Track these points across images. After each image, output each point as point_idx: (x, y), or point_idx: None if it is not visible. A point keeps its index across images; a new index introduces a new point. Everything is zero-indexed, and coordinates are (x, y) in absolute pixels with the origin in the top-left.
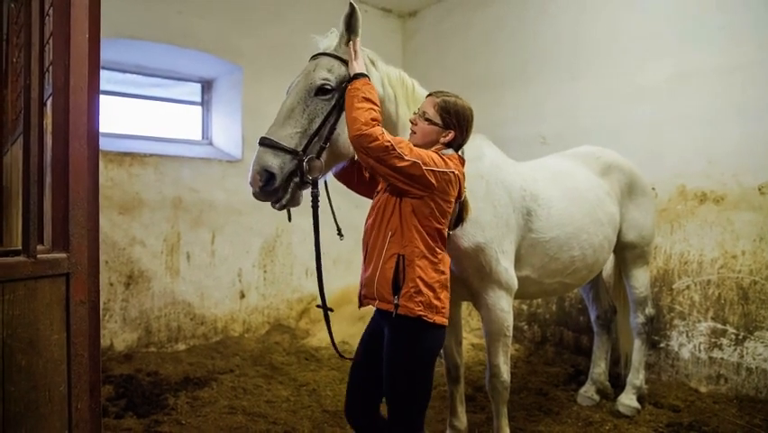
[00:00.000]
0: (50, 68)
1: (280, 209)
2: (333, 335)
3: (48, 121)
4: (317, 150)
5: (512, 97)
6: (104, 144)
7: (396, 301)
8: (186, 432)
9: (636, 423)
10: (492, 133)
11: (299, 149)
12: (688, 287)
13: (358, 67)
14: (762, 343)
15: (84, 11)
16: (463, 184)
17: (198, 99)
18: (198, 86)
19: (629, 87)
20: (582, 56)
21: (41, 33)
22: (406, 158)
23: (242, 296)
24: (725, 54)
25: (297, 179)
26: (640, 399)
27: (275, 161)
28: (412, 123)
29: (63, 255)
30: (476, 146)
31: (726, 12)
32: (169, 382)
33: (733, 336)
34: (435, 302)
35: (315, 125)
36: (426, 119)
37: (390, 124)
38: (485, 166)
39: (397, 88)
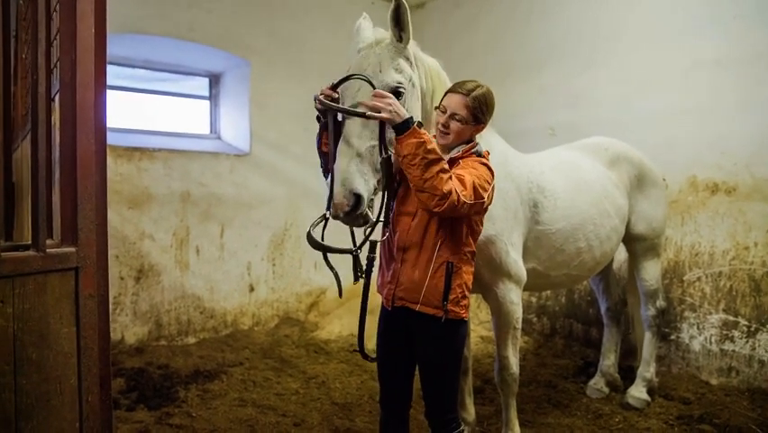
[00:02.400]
0: (58, 63)
1: (357, 225)
2: (344, 328)
3: (55, 116)
4: (386, 157)
5: (521, 89)
6: (112, 139)
7: (446, 307)
8: (196, 424)
9: (646, 416)
10: (501, 125)
11: (377, 165)
12: (699, 279)
13: (401, 110)
14: None
15: (90, 6)
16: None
17: (206, 93)
18: (206, 80)
19: (640, 77)
20: (592, 47)
21: (47, 29)
22: (477, 202)
23: (252, 289)
24: (738, 44)
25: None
26: (650, 391)
27: (362, 184)
28: (443, 125)
29: (72, 249)
30: (484, 139)
31: (740, 1)
32: (179, 375)
33: (745, 329)
34: (467, 302)
35: (391, 134)
36: (458, 120)
37: (426, 118)
38: (493, 158)
39: (435, 81)
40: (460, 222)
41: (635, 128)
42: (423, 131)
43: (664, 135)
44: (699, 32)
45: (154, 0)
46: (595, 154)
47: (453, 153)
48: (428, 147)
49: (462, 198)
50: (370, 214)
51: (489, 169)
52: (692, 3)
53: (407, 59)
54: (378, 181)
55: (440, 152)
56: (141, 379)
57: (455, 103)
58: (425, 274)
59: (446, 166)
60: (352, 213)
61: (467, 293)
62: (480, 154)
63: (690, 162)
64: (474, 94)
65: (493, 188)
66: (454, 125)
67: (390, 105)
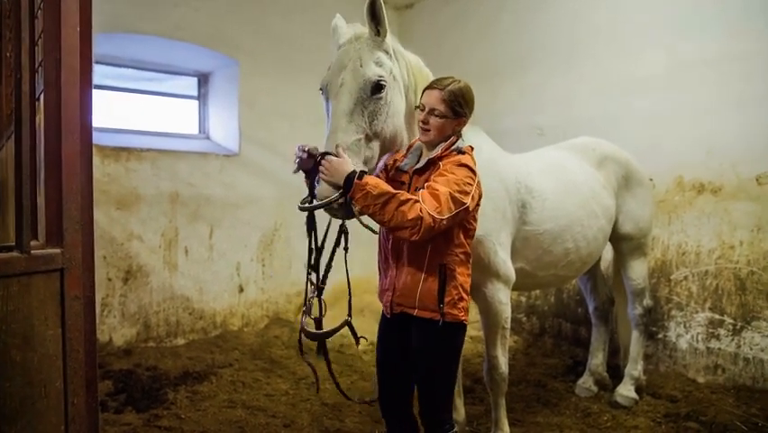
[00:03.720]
0: (42, 62)
1: (344, 218)
2: (332, 328)
3: (40, 116)
4: (376, 148)
5: (508, 89)
6: (100, 139)
7: (442, 310)
8: (185, 426)
9: (634, 414)
10: (489, 125)
11: (362, 155)
12: (685, 278)
13: (345, 165)
14: (759, 333)
15: (75, 4)
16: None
17: (195, 93)
18: (195, 79)
19: (627, 77)
20: (580, 47)
21: (31, 27)
22: (458, 211)
23: (241, 290)
24: (723, 44)
25: None
26: (638, 389)
27: (357, 166)
28: (423, 122)
29: (57, 251)
30: (472, 138)
31: (725, 2)
32: (168, 377)
33: (730, 327)
34: (464, 304)
35: (376, 127)
36: (437, 115)
37: (410, 113)
38: (481, 158)
39: (417, 76)
40: (454, 226)
41: (623, 128)
42: (364, 179)
43: (651, 136)
44: (685, 32)
45: None
46: (582, 155)
47: (433, 153)
48: (374, 193)
49: (437, 216)
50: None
51: (469, 167)
52: (678, 4)
53: (387, 52)
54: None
55: (387, 188)
56: (130, 381)
57: (433, 99)
58: (419, 278)
59: (403, 197)
60: (339, 199)
61: (464, 295)
62: (460, 151)
63: (676, 163)
64: (450, 88)
65: (478, 183)
66: (434, 121)
67: (327, 170)
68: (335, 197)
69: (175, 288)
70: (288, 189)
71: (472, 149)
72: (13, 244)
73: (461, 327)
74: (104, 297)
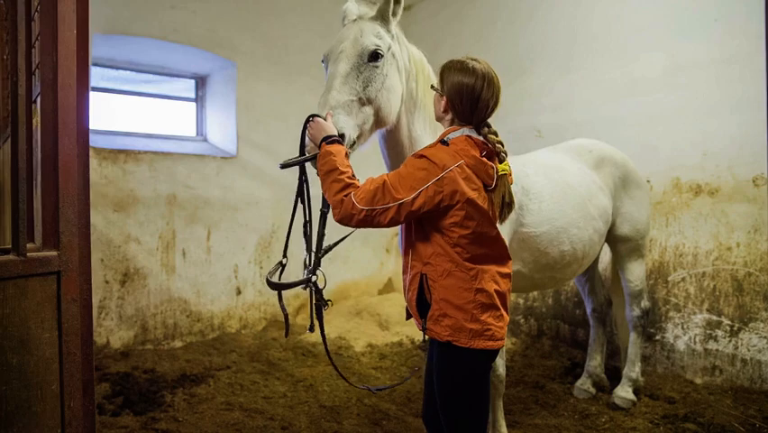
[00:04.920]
0: (39, 65)
1: None
2: (331, 330)
3: (37, 119)
4: (369, 116)
5: (506, 90)
6: (97, 141)
7: (423, 325)
8: (183, 429)
9: (632, 415)
10: None
11: (355, 117)
12: (683, 279)
13: (326, 127)
14: (756, 334)
15: (71, 6)
16: (485, 169)
17: (192, 95)
18: (192, 82)
19: (624, 79)
20: (577, 49)
21: (27, 29)
22: (390, 205)
23: (239, 292)
24: (720, 46)
25: (350, 147)
26: (636, 391)
27: (347, 123)
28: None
29: (54, 253)
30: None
31: (721, 4)
32: (165, 380)
33: (728, 328)
34: (470, 325)
35: (369, 93)
36: (432, 86)
37: (411, 101)
38: None
39: (417, 65)
40: (425, 226)
41: (620, 130)
42: (331, 146)
43: (648, 137)
44: (681, 34)
45: (138, 1)
46: (579, 156)
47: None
48: (326, 159)
49: (357, 204)
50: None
51: (428, 159)
52: (675, 6)
53: (389, 31)
54: (359, 136)
55: (340, 162)
56: (127, 384)
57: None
58: (406, 285)
59: (343, 176)
60: (311, 159)
61: (452, 313)
62: (446, 143)
63: (673, 164)
64: (449, 61)
65: (448, 180)
66: (435, 95)
67: (312, 129)
68: (309, 156)
69: (172, 290)
70: (286, 191)
71: (471, 140)
72: (10, 246)
73: (456, 350)
74: (101, 299)
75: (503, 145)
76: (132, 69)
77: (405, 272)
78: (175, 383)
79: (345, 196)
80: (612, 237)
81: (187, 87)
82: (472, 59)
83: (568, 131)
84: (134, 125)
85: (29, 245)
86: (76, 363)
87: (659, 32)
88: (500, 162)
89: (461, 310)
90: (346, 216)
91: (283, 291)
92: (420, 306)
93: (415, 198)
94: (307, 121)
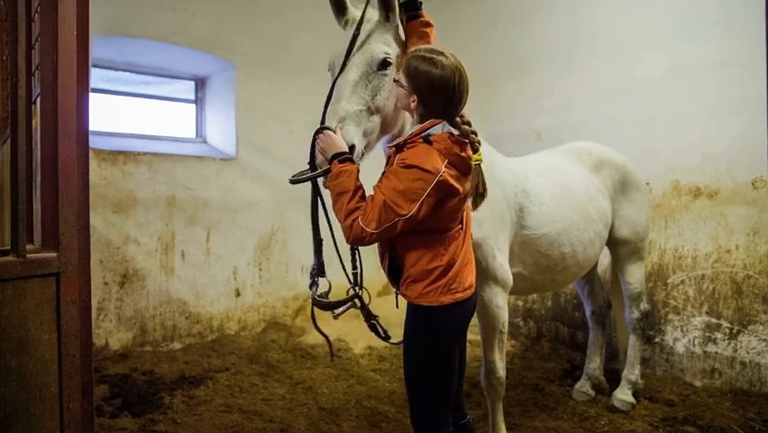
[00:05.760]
0: (39, 66)
1: None
2: (331, 332)
3: (36, 120)
4: (376, 125)
5: (506, 93)
6: (97, 143)
7: (396, 289)
8: (182, 431)
9: (632, 418)
10: (486, 129)
11: (363, 127)
12: (682, 282)
13: (337, 143)
14: (755, 337)
15: (72, 7)
16: (466, 162)
17: (192, 97)
18: (192, 83)
19: (624, 82)
20: (577, 51)
21: (28, 30)
22: (396, 220)
23: (238, 294)
24: (719, 49)
25: (360, 157)
26: (635, 393)
27: (356, 135)
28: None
29: (53, 255)
30: None
31: (721, 6)
32: (164, 381)
33: (727, 331)
34: (437, 284)
35: (378, 102)
36: (396, 80)
37: None
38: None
39: None
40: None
41: (619, 132)
42: (343, 165)
43: (647, 140)
44: (680, 36)
45: (137, 2)
46: (579, 159)
47: (402, 137)
48: (337, 181)
49: (366, 228)
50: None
51: (420, 168)
52: (674, 9)
53: (395, 38)
54: (367, 145)
55: (353, 184)
56: (126, 385)
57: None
58: (382, 255)
59: (352, 200)
60: (322, 176)
61: (419, 276)
62: (427, 140)
63: (672, 167)
64: (412, 52)
65: (437, 184)
66: (396, 89)
67: (321, 143)
68: (319, 172)
69: (171, 292)
70: (285, 193)
71: (453, 138)
72: (9, 248)
73: (430, 309)
74: (100, 301)
75: (476, 135)
76: (131, 71)
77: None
78: (174, 385)
79: (354, 221)
80: (612, 240)
81: (186, 88)
82: (439, 52)
83: (567, 133)
84: (134, 127)
85: (28, 247)
86: (75, 365)
87: (659, 35)
88: (474, 152)
89: (429, 274)
90: (357, 239)
91: (280, 295)
92: (392, 272)
93: (419, 209)
94: (317, 133)
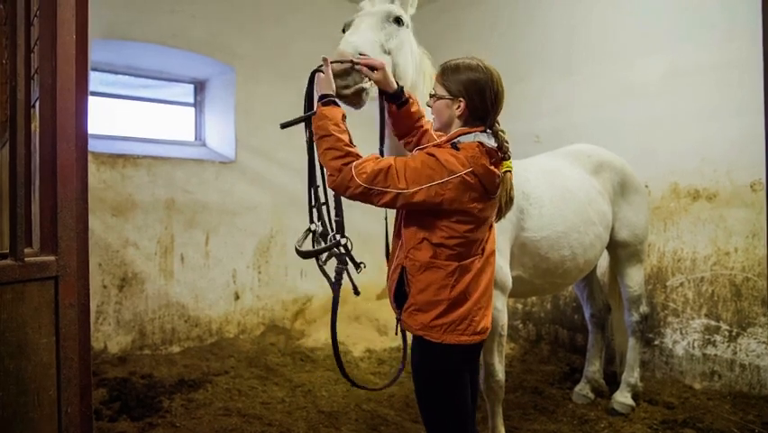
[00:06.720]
0: (38, 70)
1: (352, 95)
2: (330, 335)
3: (35, 123)
4: (388, 63)
5: (505, 95)
6: (96, 146)
7: (398, 315)
8: None
9: (631, 421)
10: None
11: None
12: (681, 284)
13: (324, 84)
14: (755, 339)
15: (71, 11)
16: (492, 179)
17: (191, 100)
18: (191, 86)
19: (623, 84)
20: (576, 54)
21: (27, 34)
22: (388, 190)
23: (237, 297)
24: (718, 51)
25: (370, 84)
26: (635, 396)
27: (367, 45)
28: (429, 106)
29: (52, 258)
30: None
31: (720, 9)
32: (163, 385)
33: (726, 333)
34: (442, 320)
35: (391, 45)
36: (432, 95)
37: (412, 86)
38: None
39: (421, 60)
40: (416, 218)
41: (618, 135)
42: (327, 108)
43: (646, 142)
44: (679, 39)
45: (136, 6)
46: (578, 161)
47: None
48: (320, 122)
49: (356, 177)
50: (366, 89)
51: (437, 158)
52: (674, 11)
53: (405, 18)
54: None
55: (337, 127)
56: (125, 389)
57: (435, 81)
58: (389, 275)
59: (340, 143)
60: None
61: (427, 308)
62: (455, 146)
63: (671, 169)
64: (445, 64)
65: (453, 184)
66: (434, 105)
67: (318, 79)
68: (307, 115)
69: (170, 295)
70: (285, 197)
71: (483, 148)
72: (8, 251)
73: (427, 344)
74: (99, 304)
75: (509, 144)
76: (130, 74)
77: (390, 261)
78: (173, 389)
79: (345, 165)
80: (611, 242)
81: (185, 91)
82: (472, 58)
83: (566, 135)
84: (133, 130)
85: (27, 250)
86: (73, 369)
87: (658, 37)
88: (506, 160)
89: (435, 306)
90: (342, 185)
91: (279, 298)
92: (398, 297)
93: (414, 193)
94: (313, 74)
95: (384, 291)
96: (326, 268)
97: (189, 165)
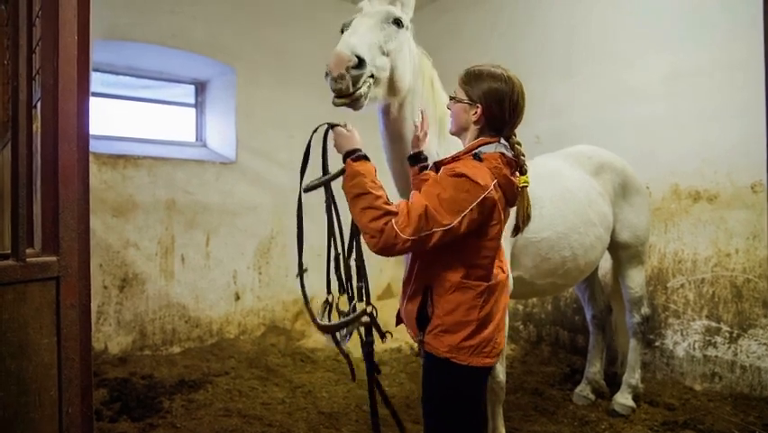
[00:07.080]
0: (40, 70)
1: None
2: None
3: (37, 124)
4: (386, 65)
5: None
6: (97, 147)
7: (420, 337)
8: None
9: (632, 422)
10: None
11: (375, 62)
12: (682, 285)
13: (349, 140)
14: (755, 341)
15: (73, 12)
16: (513, 189)
17: (192, 101)
18: (192, 87)
19: (623, 85)
20: (576, 54)
21: (29, 35)
22: (435, 231)
23: (237, 298)
24: (719, 53)
25: (368, 87)
26: (635, 398)
27: (366, 51)
28: (449, 108)
29: (53, 259)
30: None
31: (721, 9)
32: (163, 385)
33: (727, 334)
34: (470, 342)
35: (389, 46)
36: (452, 98)
37: (412, 95)
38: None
39: (422, 62)
40: (444, 248)
41: (619, 136)
42: (358, 163)
43: (647, 143)
44: (681, 41)
45: (137, 6)
46: (579, 163)
47: (450, 154)
48: (354, 180)
49: (400, 233)
50: (362, 90)
51: (469, 178)
52: (674, 12)
53: (405, 20)
54: (376, 82)
55: (371, 182)
56: (125, 389)
57: (458, 83)
58: (406, 296)
59: (378, 201)
60: (354, 70)
61: (454, 329)
62: (477, 157)
63: (672, 170)
64: (469, 69)
65: (483, 200)
66: (452, 107)
67: (336, 141)
68: (333, 175)
69: (171, 296)
70: (285, 197)
71: (505, 159)
72: (9, 252)
73: (451, 366)
74: (99, 305)
75: (525, 157)
76: (131, 75)
77: (407, 282)
78: (173, 389)
79: (385, 224)
80: (612, 244)
81: (186, 92)
82: (498, 66)
83: (567, 137)
84: (134, 131)
85: (28, 251)
86: (74, 369)
87: (658, 38)
88: (522, 174)
89: (464, 327)
90: (387, 246)
91: (279, 299)
92: (420, 319)
93: (461, 222)
94: (327, 132)
95: (384, 293)
96: (343, 329)
97: (190, 166)
